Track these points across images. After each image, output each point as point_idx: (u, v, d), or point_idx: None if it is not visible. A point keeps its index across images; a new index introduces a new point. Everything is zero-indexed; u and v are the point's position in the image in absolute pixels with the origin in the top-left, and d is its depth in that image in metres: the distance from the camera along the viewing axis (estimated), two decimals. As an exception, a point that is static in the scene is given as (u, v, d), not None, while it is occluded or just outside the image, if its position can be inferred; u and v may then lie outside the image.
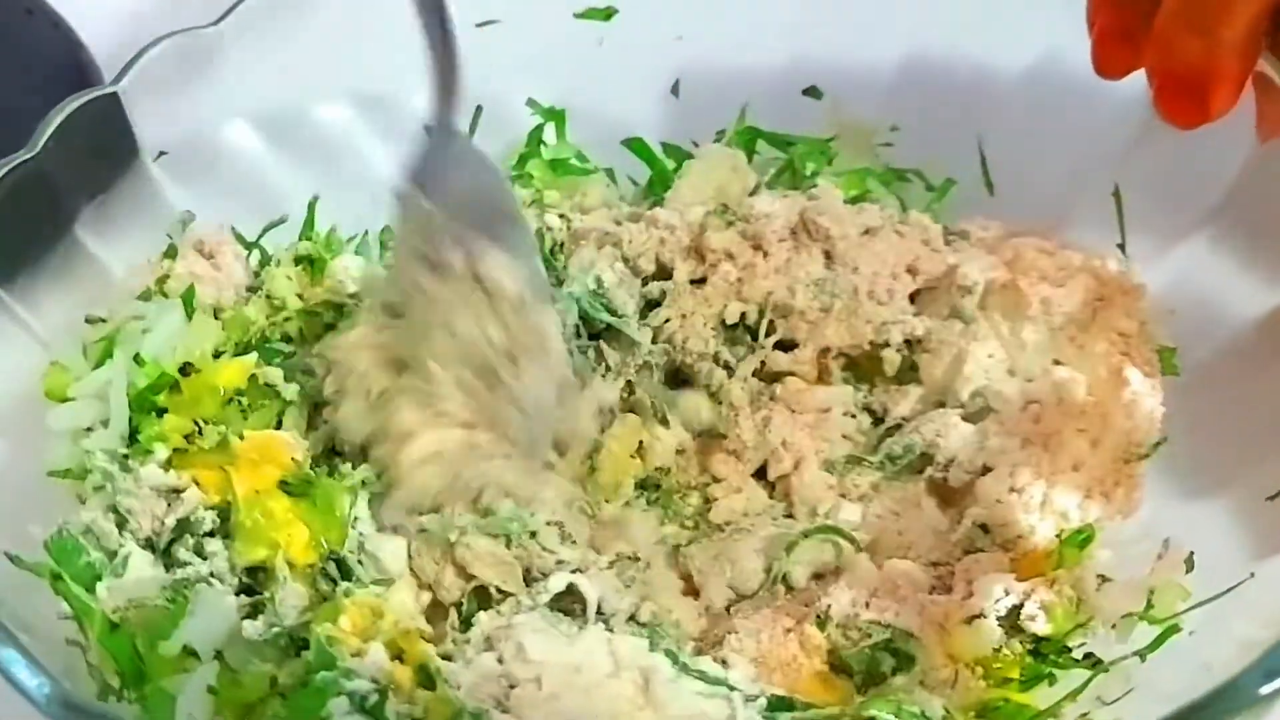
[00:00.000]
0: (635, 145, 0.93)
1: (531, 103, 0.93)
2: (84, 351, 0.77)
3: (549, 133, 0.94)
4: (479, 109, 0.92)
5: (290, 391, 0.78)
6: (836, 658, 0.69)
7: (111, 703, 0.63)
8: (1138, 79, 0.67)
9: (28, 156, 0.74)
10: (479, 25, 0.89)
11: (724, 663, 0.68)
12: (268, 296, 0.83)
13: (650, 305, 0.84)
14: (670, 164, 0.93)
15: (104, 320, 0.78)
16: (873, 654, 0.69)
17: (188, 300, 0.79)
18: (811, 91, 0.91)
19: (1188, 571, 0.68)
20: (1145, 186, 0.82)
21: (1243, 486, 0.69)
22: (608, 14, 0.91)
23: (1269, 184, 0.74)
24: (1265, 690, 0.50)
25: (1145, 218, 0.82)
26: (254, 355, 0.79)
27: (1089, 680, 0.66)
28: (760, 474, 0.80)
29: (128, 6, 0.81)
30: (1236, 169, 0.76)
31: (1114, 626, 0.67)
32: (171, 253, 0.82)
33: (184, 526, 0.71)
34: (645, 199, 0.94)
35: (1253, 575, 0.64)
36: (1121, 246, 0.81)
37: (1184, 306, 0.78)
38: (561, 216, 0.89)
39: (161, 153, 0.82)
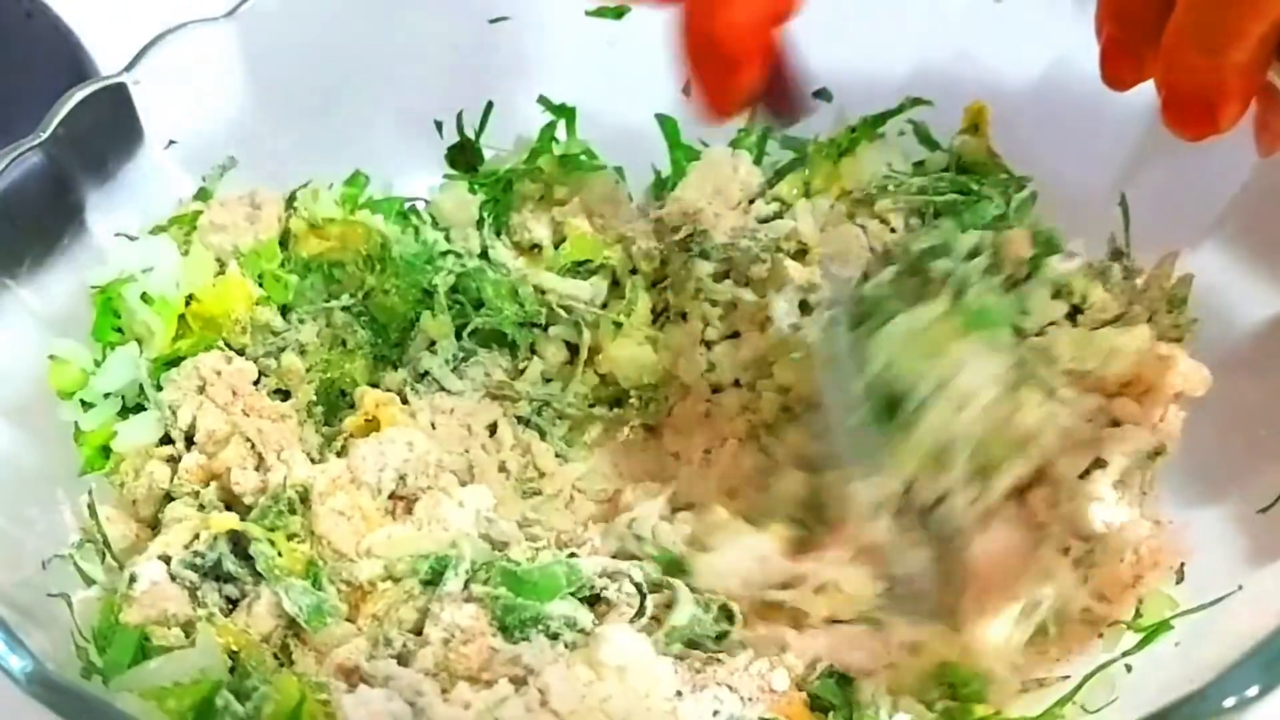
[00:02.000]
0: (667, 124, 0.94)
1: (543, 100, 0.93)
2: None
3: (560, 130, 0.94)
4: (490, 105, 0.92)
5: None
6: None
7: (95, 682, 0.63)
8: (1145, 89, 0.66)
9: (35, 143, 0.75)
10: (492, 21, 0.90)
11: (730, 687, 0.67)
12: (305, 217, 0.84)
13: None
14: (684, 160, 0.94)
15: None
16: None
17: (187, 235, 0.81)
18: (822, 94, 0.90)
19: (1178, 582, 0.68)
20: (1149, 197, 0.81)
21: (1237, 498, 0.69)
22: (619, 12, 0.91)
23: (1272, 196, 0.74)
24: (1230, 702, 0.50)
25: (1149, 228, 0.81)
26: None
27: (1077, 688, 0.66)
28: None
29: (127, 9, 0.82)
30: (1240, 180, 0.75)
31: (1101, 635, 0.67)
32: (204, 195, 0.84)
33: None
34: (654, 197, 0.94)
35: (1241, 587, 0.63)
36: (1126, 254, 0.81)
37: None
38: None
39: (171, 142, 0.82)
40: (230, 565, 0.69)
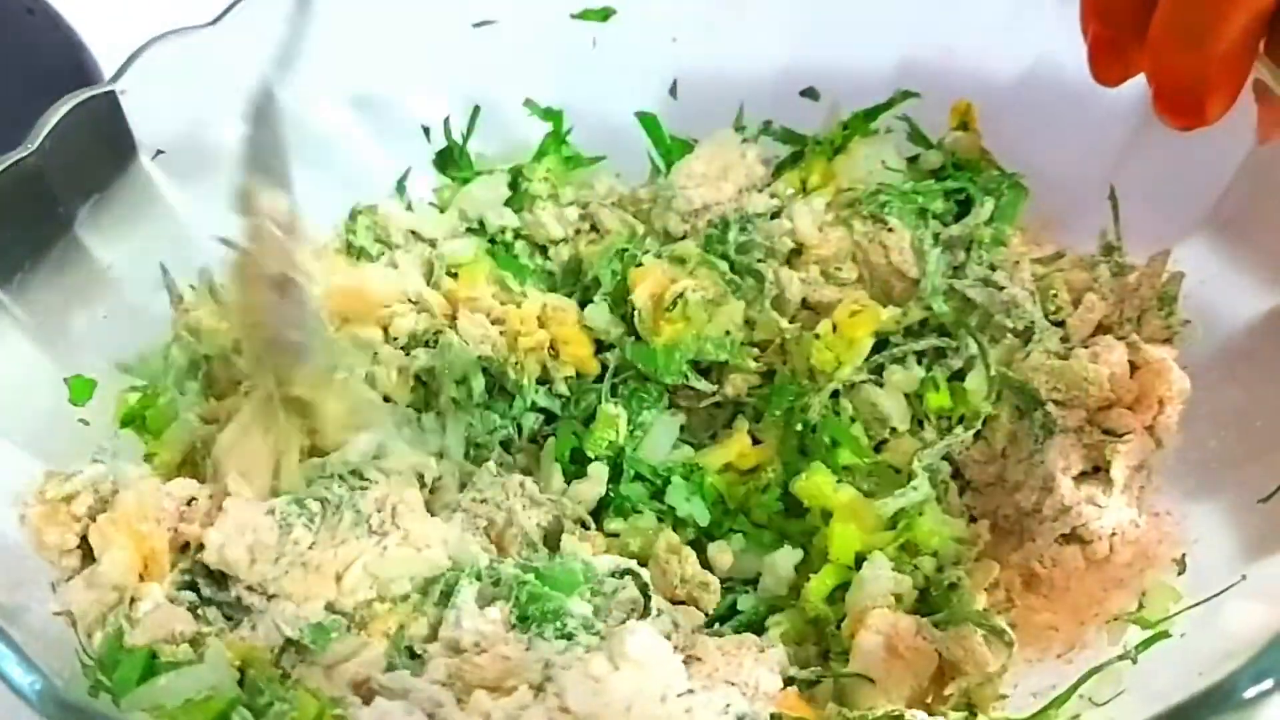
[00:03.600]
0: (646, 120, 0.93)
1: (529, 103, 0.93)
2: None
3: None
4: (477, 108, 0.92)
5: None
6: None
7: (103, 699, 0.62)
8: (1134, 82, 0.67)
9: (25, 155, 0.74)
10: (476, 26, 0.90)
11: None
12: None
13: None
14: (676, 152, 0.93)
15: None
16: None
17: None
18: (809, 93, 0.91)
19: (1180, 573, 0.69)
20: (1141, 190, 0.81)
21: (1236, 489, 0.69)
22: (604, 15, 0.91)
23: (1264, 187, 0.74)
24: (1250, 693, 0.50)
25: (1141, 221, 0.81)
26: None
27: (1080, 682, 0.66)
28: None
29: (128, 6, 0.81)
30: (1232, 172, 0.76)
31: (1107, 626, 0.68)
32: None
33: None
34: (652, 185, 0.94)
35: (1244, 578, 0.64)
36: (1118, 249, 0.81)
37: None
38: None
39: (159, 151, 0.81)
40: (209, 592, 0.69)
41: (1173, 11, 0.61)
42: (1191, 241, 0.78)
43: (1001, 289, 0.79)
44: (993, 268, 0.81)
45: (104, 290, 0.79)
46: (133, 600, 0.68)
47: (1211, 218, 0.77)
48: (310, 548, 0.70)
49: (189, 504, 0.71)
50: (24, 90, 0.74)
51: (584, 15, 0.91)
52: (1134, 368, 0.74)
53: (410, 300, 0.84)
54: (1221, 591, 0.64)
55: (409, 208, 0.91)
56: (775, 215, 0.86)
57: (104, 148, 0.79)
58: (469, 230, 0.89)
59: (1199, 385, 0.74)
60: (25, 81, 0.75)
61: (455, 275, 0.86)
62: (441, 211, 0.91)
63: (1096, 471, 0.74)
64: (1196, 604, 0.66)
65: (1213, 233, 0.77)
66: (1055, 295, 0.79)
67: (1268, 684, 0.50)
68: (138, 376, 0.79)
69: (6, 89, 0.74)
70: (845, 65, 0.89)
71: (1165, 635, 0.66)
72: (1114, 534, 0.71)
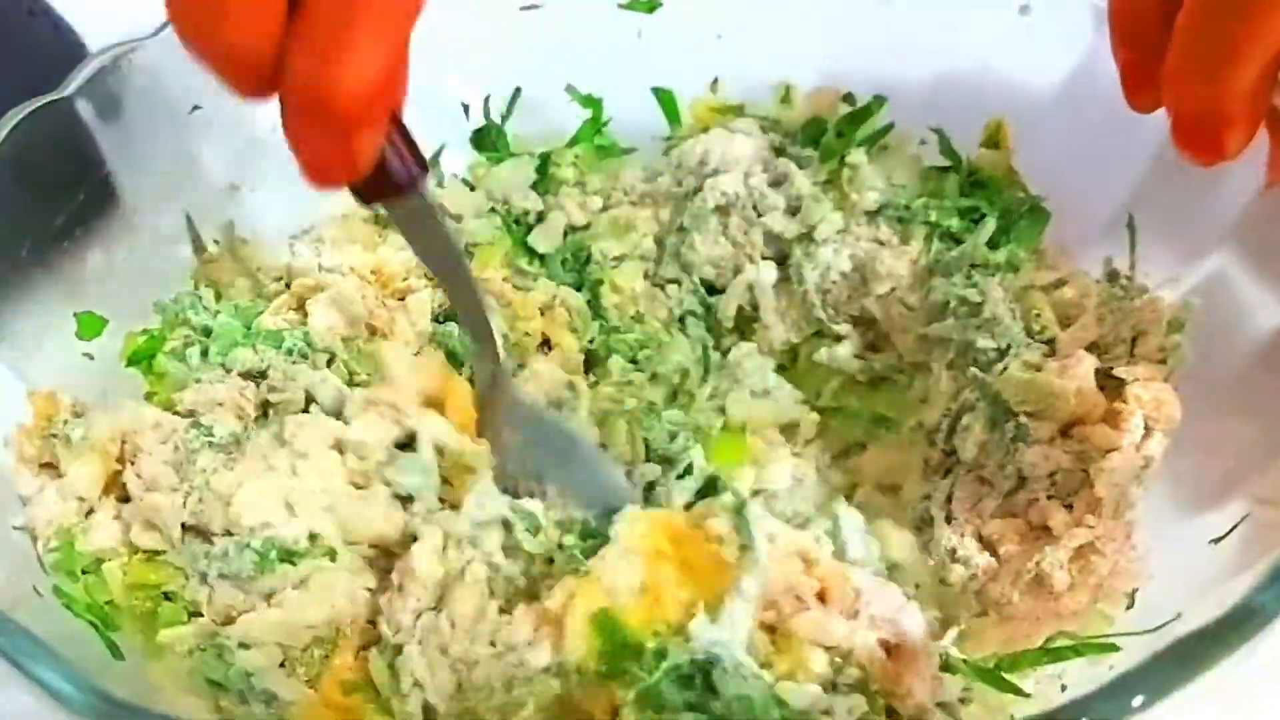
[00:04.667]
0: (663, 96, 0.94)
1: (570, 89, 0.94)
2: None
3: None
4: (518, 90, 0.94)
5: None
6: None
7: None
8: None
9: (59, 97, 0.78)
10: (523, 9, 0.91)
11: None
12: None
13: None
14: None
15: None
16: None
17: None
18: (848, 99, 0.90)
19: (1128, 608, 0.67)
20: (1167, 210, 0.79)
21: (1195, 526, 0.67)
22: (651, 6, 0.91)
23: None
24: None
25: (1164, 241, 0.80)
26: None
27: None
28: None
29: (128, 7, 0.83)
30: (1251, 193, 0.74)
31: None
32: None
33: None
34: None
35: (1179, 616, 0.62)
36: (1129, 278, 0.79)
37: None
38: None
39: (195, 107, 0.84)
40: None
41: (1188, 43, 0.60)
42: (1205, 267, 0.76)
43: (980, 310, 0.78)
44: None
45: (127, 232, 0.82)
46: (90, 512, 0.72)
47: (1229, 238, 0.75)
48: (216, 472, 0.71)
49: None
50: (24, 91, 0.76)
51: (631, 5, 0.92)
52: (1120, 383, 0.73)
53: (427, 276, 0.85)
54: (1158, 628, 0.62)
55: (439, 183, 0.92)
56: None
57: (142, 99, 0.82)
58: (493, 210, 0.90)
59: (1188, 413, 0.71)
60: (25, 82, 0.77)
61: (473, 254, 0.88)
62: (471, 189, 0.92)
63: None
64: (1131, 634, 0.64)
65: (1229, 255, 0.75)
66: (1039, 315, 0.77)
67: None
68: (153, 319, 0.82)
69: (6, 89, 0.77)
70: (884, 72, 0.88)
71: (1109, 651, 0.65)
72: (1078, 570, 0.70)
